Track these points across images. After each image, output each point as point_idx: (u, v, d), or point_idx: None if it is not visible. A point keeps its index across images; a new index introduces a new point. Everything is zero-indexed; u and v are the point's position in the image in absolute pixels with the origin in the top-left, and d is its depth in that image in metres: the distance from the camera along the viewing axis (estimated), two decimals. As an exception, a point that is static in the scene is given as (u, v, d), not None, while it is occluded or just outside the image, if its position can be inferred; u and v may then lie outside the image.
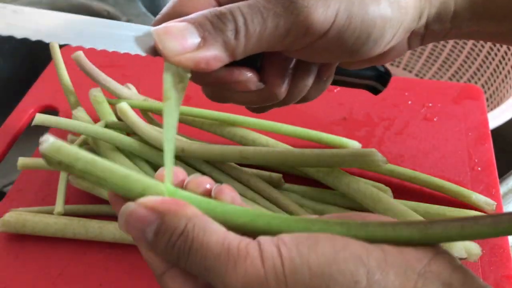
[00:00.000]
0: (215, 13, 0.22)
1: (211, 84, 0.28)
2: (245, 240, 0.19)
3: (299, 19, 0.22)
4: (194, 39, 0.22)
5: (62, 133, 0.43)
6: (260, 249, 0.19)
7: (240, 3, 0.23)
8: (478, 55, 0.72)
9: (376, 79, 0.35)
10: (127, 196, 0.21)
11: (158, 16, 0.26)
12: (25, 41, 0.76)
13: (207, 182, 0.23)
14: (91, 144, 0.38)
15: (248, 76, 0.27)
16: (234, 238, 0.19)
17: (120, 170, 0.21)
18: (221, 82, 0.27)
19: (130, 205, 0.20)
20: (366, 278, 0.18)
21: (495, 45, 0.68)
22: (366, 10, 0.23)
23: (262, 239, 0.19)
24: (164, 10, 0.25)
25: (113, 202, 0.23)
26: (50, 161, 0.21)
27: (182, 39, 0.22)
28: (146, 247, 0.21)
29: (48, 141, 0.22)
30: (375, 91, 0.36)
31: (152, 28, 0.23)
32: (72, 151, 0.21)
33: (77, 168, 0.21)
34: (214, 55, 0.22)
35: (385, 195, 0.33)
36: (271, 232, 0.20)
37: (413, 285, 0.18)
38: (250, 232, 0.21)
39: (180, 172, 0.24)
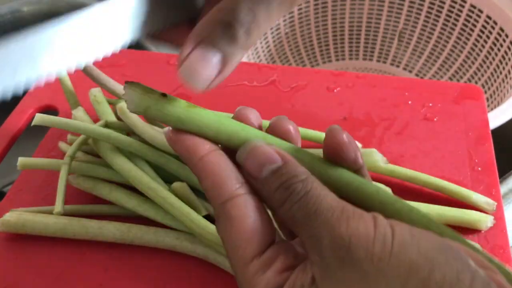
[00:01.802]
0: (223, 23, 0.22)
1: None
2: (360, 209, 0.20)
3: None
4: (215, 61, 0.22)
5: (62, 133, 0.43)
6: (374, 218, 0.19)
7: None
8: (478, 55, 0.71)
9: None
10: (222, 142, 0.23)
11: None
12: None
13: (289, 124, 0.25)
14: (91, 144, 0.38)
15: None
16: (349, 204, 0.20)
17: (214, 122, 0.23)
18: None
19: (259, 141, 0.22)
20: (469, 284, 0.18)
21: (495, 45, 0.68)
22: None
23: (377, 214, 0.20)
24: None
25: (178, 137, 0.23)
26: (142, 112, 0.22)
27: (207, 70, 0.22)
28: (254, 182, 0.22)
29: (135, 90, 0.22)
30: None
31: (178, 72, 0.23)
32: (166, 107, 0.22)
33: (171, 124, 0.22)
34: (235, 64, 0.23)
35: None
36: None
37: None
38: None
39: (253, 113, 0.25)
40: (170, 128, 0.23)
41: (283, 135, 0.25)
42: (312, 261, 0.20)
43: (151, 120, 0.42)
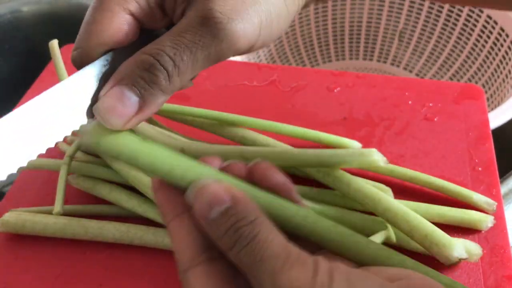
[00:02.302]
0: (143, 65, 0.22)
1: None
2: (305, 254, 0.20)
3: (230, 43, 0.23)
4: (133, 100, 0.22)
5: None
6: (316, 264, 0.19)
7: (162, 42, 0.22)
8: (478, 55, 0.71)
9: None
10: (175, 183, 0.22)
11: (76, 44, 0.25)
12: (25, 41, 0.76)
13: (242, 167, 0.24)
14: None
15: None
16: (294, 248, 0.20)
17: (168, 157, 0.22)
18: None
19: (208, 180, 0.21)
20: None
21: (495, 45, 0.68)
22: (277, 15, 0.25)
23: (320, 259, 0.20)
24: (80, 35, 0.25)
25: (157, 194, 0.23)
26: (93, 148, 0.22)
27: (123, 108, 0.22)
28: (205, 224, 0.21)
29: (89, 127, 0.22)
30: None
31: (94, 107, 0.22)
32: (119, 139, 0.22)
33: (123, 158, 0.22)
34: (156, 105, 0.23)
35: (386, 195, 0.33)
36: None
37: None
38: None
39: (216, 160, 0.24)
40: (156, 180, 0.23)
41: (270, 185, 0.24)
42: None
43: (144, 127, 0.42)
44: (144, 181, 0.35)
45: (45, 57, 0.47)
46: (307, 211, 0.23)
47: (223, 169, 0.24)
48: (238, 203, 0.20)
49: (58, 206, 0.34)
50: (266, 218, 0.21)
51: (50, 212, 0.36)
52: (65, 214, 0.36)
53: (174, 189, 0.22)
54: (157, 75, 0.22)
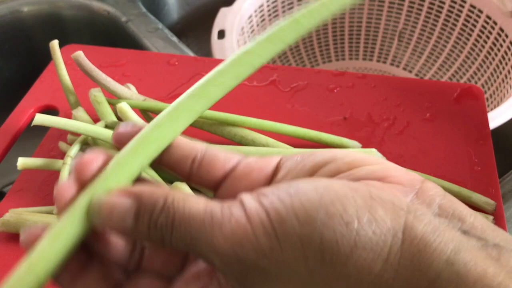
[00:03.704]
0: None
1: None
2: (227, 203, 0.19)
3: None
4: None
5: (62, 133, 0.43)
6: (243, 207, 0.18)
7: None
8: (478, 55, 0.72)
9: None
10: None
11: None
12: (25, 41, 0.76)
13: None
14: (91, 144, 0.38)
15: None
16: (215, 204, 0.19)
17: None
18: None
19: (99, 198, 0.19)
20: (357, 218, 0.17)
21: (495, 45, 0.68)
22: None
23: (243, 196, 0.19)
24: None
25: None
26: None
27: None
28: (127, 235, 0.20)
29: None
30: None
31: None
32: None
33: None
34: None
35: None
36: None
37: (404, 219, 0.17)
38: None
39: (97, 158, 0.21)
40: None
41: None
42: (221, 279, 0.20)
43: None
44: (144, 181, 0.35)
45: (45, 57, 0.47)
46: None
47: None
48: (142, 196, 0.19)
49: (58, 206, 0.34)
50: (174, 191, 0.19)
51: (50, 212, 0.36)
52: (66, 214, 0.36)
53: None
54: None
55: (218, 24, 0.65)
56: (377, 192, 0.18)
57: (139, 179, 0.21)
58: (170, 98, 0.47)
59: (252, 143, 0.38)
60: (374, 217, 0.17)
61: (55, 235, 0.18)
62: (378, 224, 0.17)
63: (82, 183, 0.20)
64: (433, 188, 0.19)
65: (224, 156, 0.22)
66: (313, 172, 0.20)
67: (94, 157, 0.20)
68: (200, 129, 0.41)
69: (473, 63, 0.73)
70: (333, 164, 0.20)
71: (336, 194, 0.18)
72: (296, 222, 0.17)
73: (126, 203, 0.19)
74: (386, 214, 0.17)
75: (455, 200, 0.19)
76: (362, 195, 0.18)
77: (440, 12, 0.74)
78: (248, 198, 0.19)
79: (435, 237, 0.17)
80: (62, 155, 0.41)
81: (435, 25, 0.75)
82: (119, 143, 0.22)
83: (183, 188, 0.35)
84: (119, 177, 0.20)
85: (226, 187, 0.22)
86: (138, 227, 0.19)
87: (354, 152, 0.21)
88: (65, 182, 0.20)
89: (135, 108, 0.40)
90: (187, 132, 0.41)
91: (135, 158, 0.20)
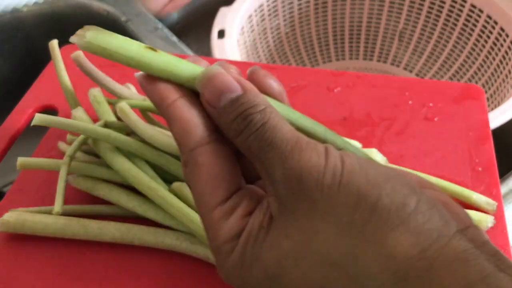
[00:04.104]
0: None
1: None
2: (315, 141, 0.20)
3: None
4: None
5: (61, 133, 0.43)
6: (327, 149, 0.20)
7: None
8: (478, 55, 0.71)
9: None
10: (175, 78, 0.22)
11: None
12: (25, 41, 0.76)
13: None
14: (90, 144, 0.38)
15: None
16: (304, 136, 0.20)
17: (171, 57, 0.22)
18: None
19: (218, 68, 0.21)
20: (415, 206, 0.19)
21: (495, 45, 0.68)
22: None
23: (329, 145, 0.20)
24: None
25: (147, 84, 0.23)
26: (94, 51, 0.21)
27: None
28: (212, 111, 0.21)
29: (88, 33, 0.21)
30: None
31: None
32: (120, 40, 0.22)
33: (127, 57, 0.22)
34: None
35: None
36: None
37: (451, 235, 0.18)
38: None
39: (205, 63, 0.24)
40: (143, 73, 0.23)
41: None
42: (269, 197, 0.21)
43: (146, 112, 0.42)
44: (144, 181, 0.35)
45: (45, 57, 0.47)
46: (299, 114, 0.24)
47: None
48: (248, 92, 0.21)
49: (58, 206, 0.34)
50: (275, 109, 0.21)
51: (50, 212, 0.36)
52: (65, 214, 0.36)
53: (165, 80, 0.22)
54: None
55: (218, 23, 0.65)
56: (440, 207, 0.20)
57: None
58: (170, 98, 0.47)
59: (252, 143, 0.38)
60: (430, 215, 0.19)
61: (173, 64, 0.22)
62: (431, 221, 0.19)
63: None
64: (482, 233, 0.20)
65: None
66: None
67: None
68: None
69: (473, 63, 0.73)
70: (408, 177, 0.22)
71: (410, 183, 0.19)
72: (364, 179, 0.19)
73: (235, 85, 0.21)
74: (440, 221, 0.19)
75: (497, 250, 0.20)
76: (429, 198, 0.19)
77: (441, 12, 0.74)
78: (333, 148, 0.20)
79: (473, 257, 0.18)
80: (61, 155, 0.41)
81: (436, 25, 0.75)
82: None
83: (183, 189, 0.35)
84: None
85: None
86: (229, 109, 0.21)
87: (423, 177, 0.23)
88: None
89: (135, 108, 0.40)
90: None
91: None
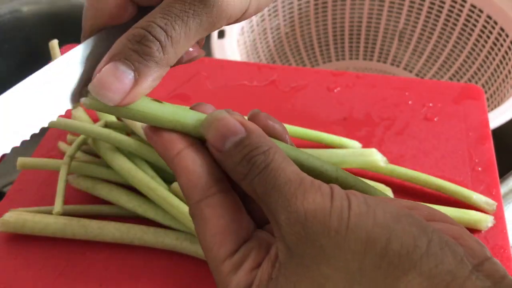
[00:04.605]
0: (135, 38, 0.22)
1: None
2: (319, 181, 0.20)
3: (221, 9, 0.22)
4: (128, 75, 0.22)
5: (61, 133, 0.43)
6: (332, 190, 0.19)
7: (153, 15, 0.22)
8: (478, 55, 0.71)
9: None
10: (180, 127, 0.22)
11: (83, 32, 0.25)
12: (25, 41, 0.76)
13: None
14: (90, 144, 0.38)
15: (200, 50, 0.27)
16: (308, 176, 0.20)
17: (175, 107, 0.22)
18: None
19: (222, 112, 0.22)
20: (426, 247, 0.18)
21: (495, 45, 0.68)
22: None
23: (335, 185, 0.20)
24: (85, 19, 0.24)
25: (153, 135, 0.23)
26: (97, 108, 0.22)
27: (118, 83, 0.21)
28: (217, 155, 0.21)
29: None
30: None
31: (89, 85, 0.22)
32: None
33: (131, 112, 0.22)
34: (152, 78, 0.22)
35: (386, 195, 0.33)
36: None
37: (466, 275, 0.18)
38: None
39: (209, 108, 0.24)
40: (147, 125, 0.23)
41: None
42: (277, 242, 0.20)
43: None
44: (144, 181, 0.35)
45: (45, 57, 0.47)
46: (307, 154, 0.24)
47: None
48: (252, 134, 0.21)
49: (58, 206, 0.34)
50: (280, 149, 0.21)
51: (50, 212, 0.36)
52: (65, 214, 0.36)
53: (171, 130, 0.23)
54: (149, 46, 0.22)
55: (218, 24, 0.64)
56: (453, 244, 0.19)
57: None
58: (170, 98, 0.47)
59: (252, 143, 0.38)
60: (442, 256, 0.18)
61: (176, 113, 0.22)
62: (444, 263, 0.18)
63: None
64: (499, 265, 0.19)
65: None
66: None
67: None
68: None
69: (473, 63, 0.73)
70: (417, 211, 0.21)
71: (419, 222, 0.19)
72: (372, 221, 0.18)
73: (239, 128, 0.21)
74: (453, 261, 0.18)
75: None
76: (440, 237, 0.19)
77: (441, 12, 0.74)
78: (338, 188, 0.20)
79: None
80: (61, 155, 0.41)
81: (436, 25, 0.75)
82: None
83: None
84: None
85: None
86: (233, 152, 0.21)
87: (435, 209, 0.23)
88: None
89: (135, 108, 0.40)
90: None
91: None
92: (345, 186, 0.24)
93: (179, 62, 0.25)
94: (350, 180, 0.24)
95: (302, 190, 0.19)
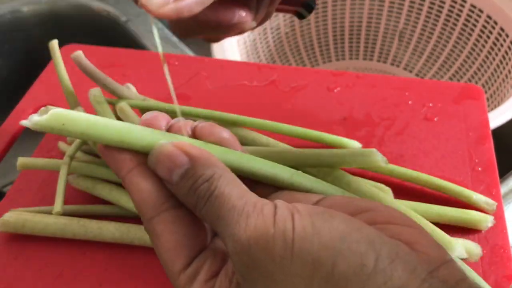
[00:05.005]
0: None
1: (198, 31, 0.27)
2: (263, 201, 0.20)
3: None
4: None
5: (61, 133, 0.43)
6: (275, 211, 0.19)
7: None
8: (478, 55, 0.71)
9: (302, 5, 0.38)
10: (130, 148, 0.22)
11: None
12: (25, 41, 0.76)
13: (190, 125, 0.24)
14: (90, 144, 0.38)
15: (244, 16, 0.26)
16: (253, 196, 0.20)
17: (121, 125, 0.22)
18: (212, 26, 0.26)
19: (164, 144, 0.21)
20: (374, 264, 0.17)
21: (495, 45, 0.68)
22: None
23: (279, 202, 0.20)
24: None
25: (105, 154, 0.23)
26: (51, 129, 0.22)
27: None
28: (169, 186, 0.21)
29: (46, 113, 0.22)
30: (301, 16, 0.39)
31: None
32: (71, 115, 0.22)
33: (78, 132, 0.22)
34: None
35: (386, 195, 0.33)
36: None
37: (418, 285, 0.17)
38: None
39: (162, 116, 0.24)
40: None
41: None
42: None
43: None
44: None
45: (45, 57, 0.47)
46: (263, 161, 0.23)
47: (170, 129, 0.24)
48: (196, 162, 0.21)
49: (58, 206, 0.34)
50: (225, 170, 0.21)
51: (50, 212, 0.36)
52: (65, 214, 0.36)
53: (122, 149, 0.22)
54: None
55: (218, 24, 0.64)
56: (404, 253, 0.18)
57: None
58: (170, 98, 0.47)
59: (253, 143, 0.38)
60: (391, 272, 0.18)
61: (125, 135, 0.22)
62: (393, 280, 0.17)
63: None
64: (457, 269, 0.19)
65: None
66: (353, 214, 0.21)
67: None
68: (200, 129, 0.40)
69: (473, 63, 0.73)
70: (373, 213, 0.21)
71: (368, 236, 0.18)
72: (317, 244, 0.18)
73: (182, 159, 0.21)
74: (404, 274, 0.18)
75: (473, 286, 0.19)
76: (389, 249, 0.18)
77: (441, 12, 0.74)
78: (282, 206, 0.19)
79: None
80: (62, 155, 0.41)
81: (436, 25, 0.75)
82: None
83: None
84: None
85: None
86: (180, 185, 0.20)
87: (394, 209, 0.21)
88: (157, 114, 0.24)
89: (135, 108, 0.40)
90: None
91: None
92: (301, 189, 0.24)
93: (227, 27, 0.25)
94: (307, 184, 0.24)
95: (245, 216, 0.19)
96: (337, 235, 0.18)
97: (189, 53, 0.62)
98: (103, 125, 0.22)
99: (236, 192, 0.20)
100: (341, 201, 0.22)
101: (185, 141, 0.22)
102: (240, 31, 0.27)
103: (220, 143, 0.24)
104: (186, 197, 0.21)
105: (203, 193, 0.20)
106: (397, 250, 0.18)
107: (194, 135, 0.24)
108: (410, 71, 0.80)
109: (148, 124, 0.24)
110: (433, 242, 0.20)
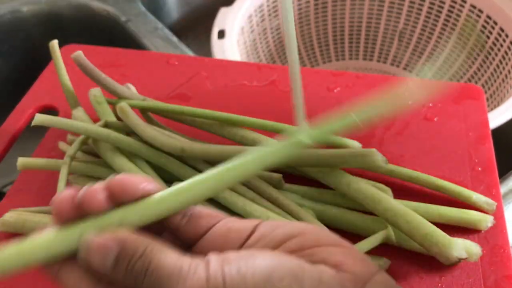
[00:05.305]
0: None
1: None
2: (196, 261, 0.21)
3: None
4: None
5: (61, 133, 0.43)
6: (207, 268, 0.20)
7: None
8: (478, 55, 0.71)
9: None
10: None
11: None
12: (25, 41, 0.76)
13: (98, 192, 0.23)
14: (91, 144, 0.38)
15: None
16: (187, 259, 0.21)
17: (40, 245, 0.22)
18: None
19: (90, 236, 0.21)
20: None
21: (495, 45, 0.68)
22: None
23: (211, 257, 0.21)
24: None
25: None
26: None
27: None
28: (107, 275, 0.21)
29: None
30: None
31: None
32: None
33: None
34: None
35: (386, 195, 0.33)
36: None
37: None
38: None
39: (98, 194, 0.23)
40: None
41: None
42: None
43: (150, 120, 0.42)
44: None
45: (45, 57, 0.47)
46: (166, 200, 0.24)
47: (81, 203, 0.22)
48: (125, 244, 0.21)
49: (58, 206, 0.34)
50: (154, 242, 0.21)
51: (50, 212, 0.36)
52: (65, 214, 0.36)
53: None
54: None
55: (218, 24, 0.65)
56: (327, 278, 0.20)
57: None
58: (169, 98, 0.47)
59: (252, 143, 0.38)
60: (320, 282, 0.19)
61: (48, 243, 0.22)
62: None
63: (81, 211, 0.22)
64: (384, 281, 0.20)
65: (207, 213, 0.25)
66: (282, 242, 0.22)
67: (99, 191, 0.22)
68: (200, 129, 0.40)
69: (473, 63, 0.73)
70: (300, 238, 0.22)
71: (290, 269, 0.20)
72: None
73: (109, 247, 0.21)
74: None
75: None
76: (311, 277, 0.20)
77: (440, 12, 0.74)
78: (214, 261, 0.21)
79: None
80: (62, 155, 0.41)
81: (436, 25, 0.75)
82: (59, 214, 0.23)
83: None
84: (122, 222, 0.22)
85: (204, 242, 0.24)
86: (116, 269, 0.21)
87: (320, 229, 0.23)
88: (66, 196, 0.22)
89: (134, 108, 0.40)
90: (187, 132, 0.41)
91: (138, 213, 0.22)
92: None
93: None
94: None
95: (182, 280, 0.20)
96: (261, 278, 0.19)
97: (189, 53, 0.62)
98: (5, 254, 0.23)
99: (169, 260, 0.21)
100: (271, 229, 0.23)
101: (100, 221, 0.22)
102: None
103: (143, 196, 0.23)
104: (124, 279, 0.21)
105: (140, 269, 0.20)
106: (320, 276, 0.20)
107: (111, 194, 0.23)
108: (410, 71, 0.80)
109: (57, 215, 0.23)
110: (359, 259, 0.21)
